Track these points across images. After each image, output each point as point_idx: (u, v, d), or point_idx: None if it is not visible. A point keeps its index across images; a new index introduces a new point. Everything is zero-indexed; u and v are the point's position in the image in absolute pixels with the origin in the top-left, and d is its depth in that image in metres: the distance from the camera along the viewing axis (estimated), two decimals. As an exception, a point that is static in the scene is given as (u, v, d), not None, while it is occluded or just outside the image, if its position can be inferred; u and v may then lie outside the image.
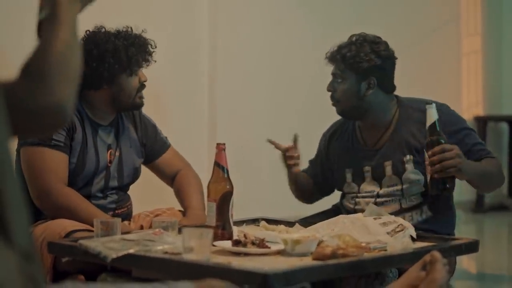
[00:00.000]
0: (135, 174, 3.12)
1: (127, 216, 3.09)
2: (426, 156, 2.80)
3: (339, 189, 3.24)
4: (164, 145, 3.21)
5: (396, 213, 2.96)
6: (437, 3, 5.96)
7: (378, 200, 3.03)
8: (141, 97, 3.03)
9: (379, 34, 3.25)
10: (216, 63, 4.48)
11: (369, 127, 3.11)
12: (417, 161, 2.99)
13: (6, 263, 1.10)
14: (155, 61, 3.08)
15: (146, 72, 3.05)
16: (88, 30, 2.98)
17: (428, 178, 2.82)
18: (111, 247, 2.32)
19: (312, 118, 4.74)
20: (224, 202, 2.59)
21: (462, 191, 4.53)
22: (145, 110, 3.17)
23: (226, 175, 2.62)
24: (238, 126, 4.54)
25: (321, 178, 3.28)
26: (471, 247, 2.68)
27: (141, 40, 3.00)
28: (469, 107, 6.33)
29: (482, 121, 6.28)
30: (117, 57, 2.92)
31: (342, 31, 5.01)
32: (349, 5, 5.22)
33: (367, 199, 3.06)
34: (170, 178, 3.22)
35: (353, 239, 2.45)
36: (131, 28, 3.02)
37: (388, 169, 3.05)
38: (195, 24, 4.43)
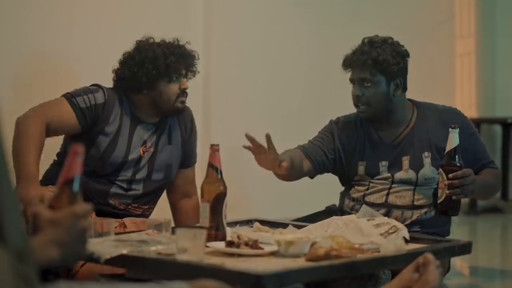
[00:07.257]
0: (167, 172, 3.24)
1: (138, 217, 3.17)
2: (443, 177, 2.86)
3: (345, 181, 3.26)
4: (192, 160, 3.38)
5: (407, 208, 3.09)
6: (431, 4, 5.96)
7: (391, 190, 3.10)
8: (182, 102, 3.20)
9: (373, 34, 3.26)
10: (211, 63, 4.47)
11: (389, 125, 3.16)
12: (435, 158, 3.08)
13: (-1, 263, 1.10)
14: (199, 72, 3.27)
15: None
16: (138, 40, 3.21)
17: (442, 197, 2.88)
18: (104, 247, 2.32)
19: (307, 117, 4.74)
20: (217, 203, 2.58)
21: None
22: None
23: (219, 176, 2.61)
24: (232, 126, 4.53)
25: (326, 159, 3.19)
26: (464, 248, 2.69)
27: (181, 49, 3.19)
28: (463, 109, 6.29)
29: (475, 123, 6.22)
30: (155, 64, 3.12)
31: (336, 31, 5.03)
32: (344, 5, 5.22)
33: (380, 186, 3.12)
34: (177, 193, 3.37)
35: (347, 241, 2.46)
36: (177, 39, 3.22)
37: (406, 163, 3.12)
38: (190, 24, 4.42)
